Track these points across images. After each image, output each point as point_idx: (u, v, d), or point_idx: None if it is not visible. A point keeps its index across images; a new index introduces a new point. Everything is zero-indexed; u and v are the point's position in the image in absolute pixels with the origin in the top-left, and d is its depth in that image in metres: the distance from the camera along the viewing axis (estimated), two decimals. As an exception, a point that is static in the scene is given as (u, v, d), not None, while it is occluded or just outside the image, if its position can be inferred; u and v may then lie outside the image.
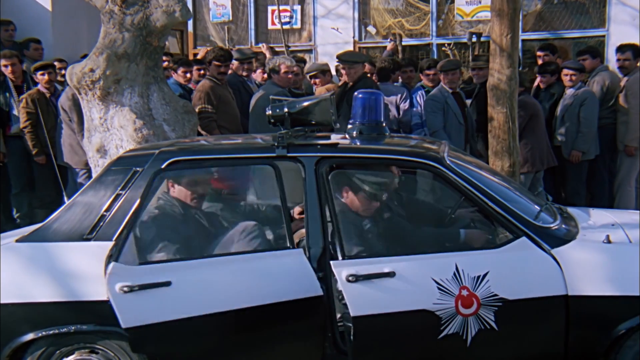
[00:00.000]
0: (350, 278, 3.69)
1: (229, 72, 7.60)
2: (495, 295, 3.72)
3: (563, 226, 4.08)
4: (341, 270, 3.72)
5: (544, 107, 7.74)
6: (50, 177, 7.62)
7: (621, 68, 7.91)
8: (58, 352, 3.98)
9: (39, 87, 7.48)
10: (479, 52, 9.10)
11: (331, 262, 3.78)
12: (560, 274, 3.73)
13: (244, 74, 7.88)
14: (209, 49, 9.14)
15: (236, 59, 7.84)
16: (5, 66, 7.61)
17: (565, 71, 7.67)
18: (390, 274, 3.72)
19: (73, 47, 9.27)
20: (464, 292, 3.71)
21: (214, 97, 7.02)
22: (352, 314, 3.70)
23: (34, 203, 7.81)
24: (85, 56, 6.24)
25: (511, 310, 3.74)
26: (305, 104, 4.32)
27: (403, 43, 10.42)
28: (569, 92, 7.64)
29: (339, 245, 3.83)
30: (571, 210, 4.61)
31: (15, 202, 7.81)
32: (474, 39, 9.49)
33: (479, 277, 3.73)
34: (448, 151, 4.24)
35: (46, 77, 7.38)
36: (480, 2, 10.30)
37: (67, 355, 3.98)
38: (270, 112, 4.23)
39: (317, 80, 7.66)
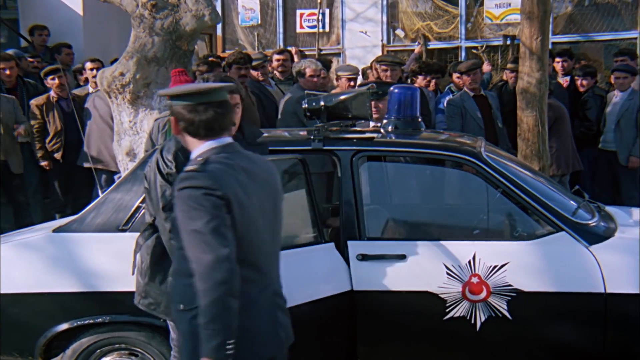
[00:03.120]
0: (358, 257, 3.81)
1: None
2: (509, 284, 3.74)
3: (602, 223, 4.05)
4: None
5: (597, 112, 7.60)
6: (58, 182, 7.68)
7: None
8: (98, 351, 4.03)
9: (51, 92, 7.52)
10: (514, 55, 9.03)
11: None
12: (598, 271, 3.70)
13: (260, 78, 7.84)
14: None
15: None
16: (4, 69, 7.61)
17: (616, 74, 7.48)
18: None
19: (104, 51, 9.35)
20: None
21: None
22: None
23: (49, 207, 7.87)
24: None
25: (544, 302, 3.73)
26: (342, 97, 4.31)
27: (431, 46, 10.40)
28: (620, 95, 7.47)
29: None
30: (609, 208, 4.56)
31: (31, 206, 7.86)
32: (509, 42, 9.42)
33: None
34: (485, 146, 4.23)
35: (56, 81, 7.41)
36: (510, 5, 10.23)
37: (106, 354, 4.03)
38: (306, 105, 4.21)
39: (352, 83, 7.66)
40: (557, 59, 8.52)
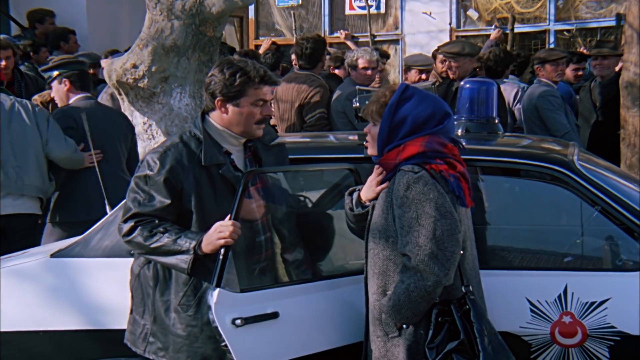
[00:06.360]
0: None
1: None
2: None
3: None
4: None
5: None
6: None
7: None
8: None
9: None
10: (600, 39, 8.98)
11: None
12: None
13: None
14: (274, 39, 9.22)
15: None
16: None
17: None
18: None
19: (112, 38, 9.47)
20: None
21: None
22: None
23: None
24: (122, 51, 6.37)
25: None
26: None
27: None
28: None
29: None
30: None
31: None
32: (622, 23, 9.32)
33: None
34: (578, 154, 4.19)
35: None
36: (613, -22, 10.15)
37: None
38: (357, 104, 4.21)
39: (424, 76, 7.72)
40: None
